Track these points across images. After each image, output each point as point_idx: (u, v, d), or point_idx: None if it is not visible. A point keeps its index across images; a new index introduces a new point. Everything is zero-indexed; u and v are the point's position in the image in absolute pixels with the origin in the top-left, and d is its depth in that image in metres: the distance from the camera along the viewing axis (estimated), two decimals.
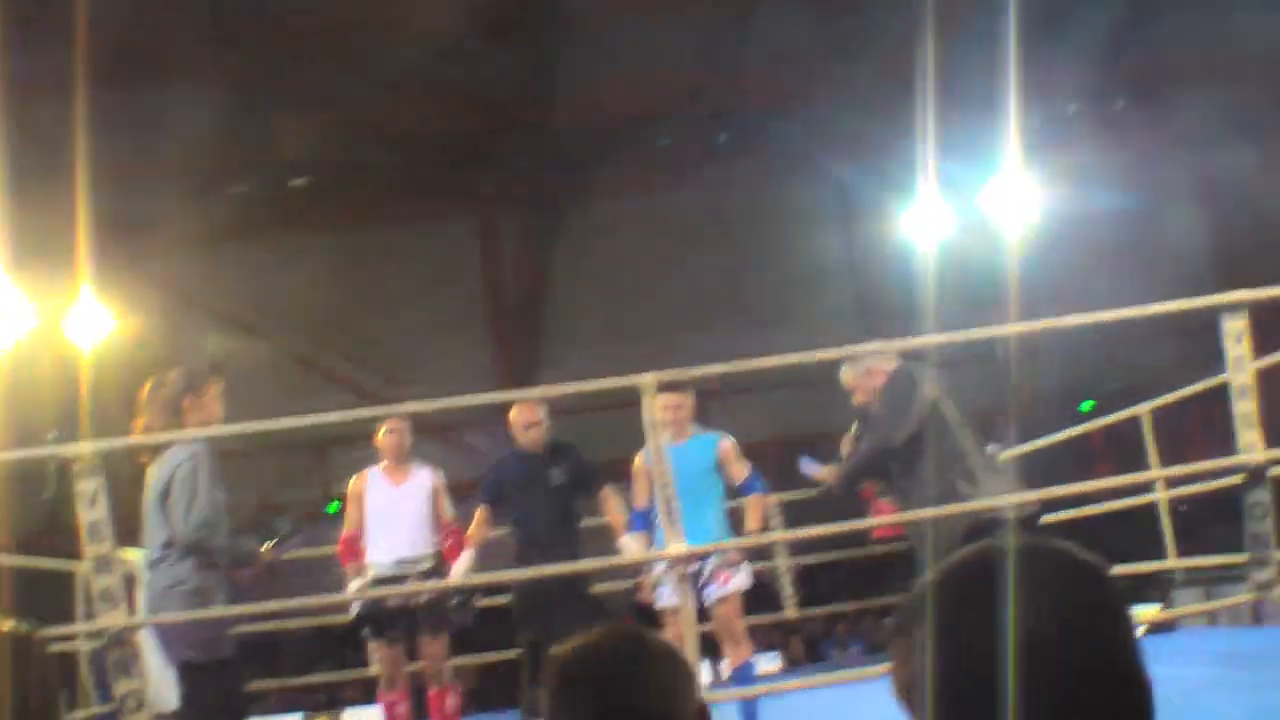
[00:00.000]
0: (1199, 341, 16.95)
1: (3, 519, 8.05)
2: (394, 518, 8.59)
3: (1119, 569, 11.55)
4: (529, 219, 20.43)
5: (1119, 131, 19.53)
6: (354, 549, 8.65)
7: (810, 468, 7.58)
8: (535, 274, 20.31)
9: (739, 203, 20.16)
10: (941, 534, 6.93)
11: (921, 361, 7.45)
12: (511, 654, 9.30)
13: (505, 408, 9.12)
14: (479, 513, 8.82)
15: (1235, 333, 6.98)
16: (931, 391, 7.16)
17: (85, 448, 6.65)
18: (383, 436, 8.72)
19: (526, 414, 8.73)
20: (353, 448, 15.45)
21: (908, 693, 1.46)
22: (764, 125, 19.85)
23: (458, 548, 8.62)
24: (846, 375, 7.46)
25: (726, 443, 8.21)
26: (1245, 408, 6.97)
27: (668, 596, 7.81)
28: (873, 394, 7.34)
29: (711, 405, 16.87)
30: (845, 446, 7.80)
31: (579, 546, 8.80)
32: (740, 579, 7.98)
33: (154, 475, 6.63)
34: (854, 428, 7.69)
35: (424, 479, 8.74)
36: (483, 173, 19.70)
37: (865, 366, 7.38)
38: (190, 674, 6.32)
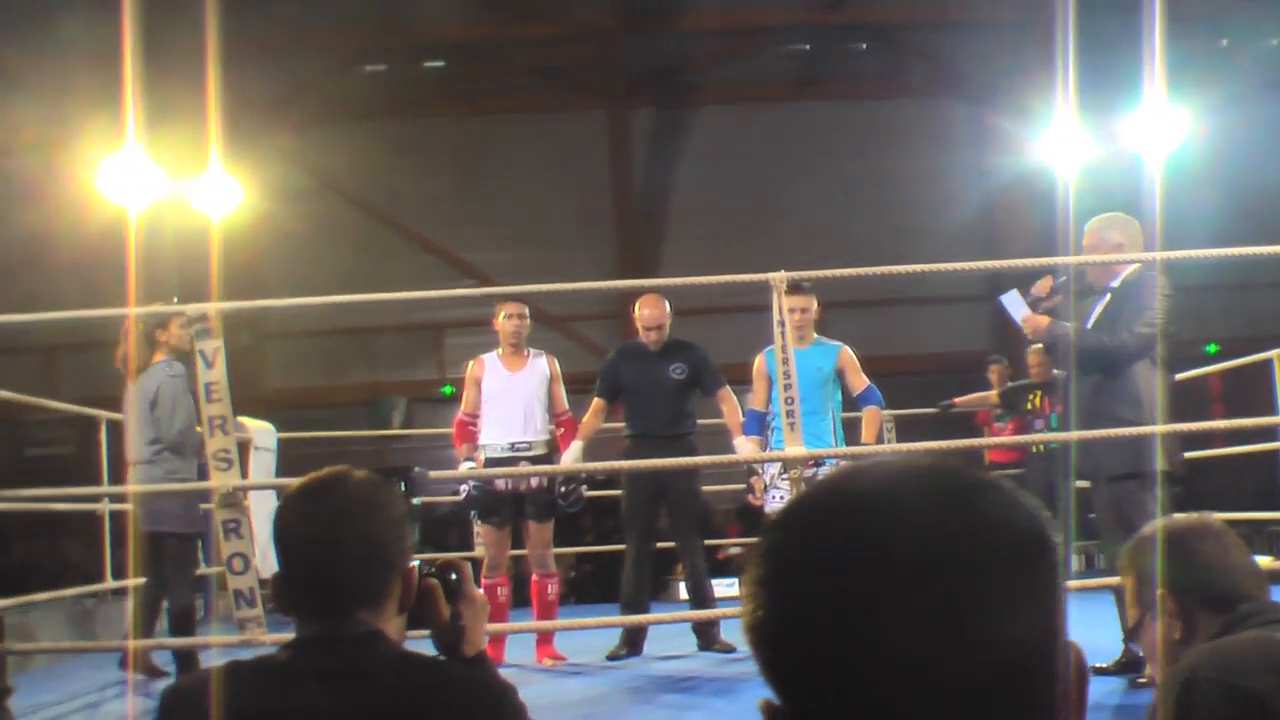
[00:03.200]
0: None
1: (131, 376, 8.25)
2: (509, 401, 8.61)
3: (1231, 515, 11.40)
4: (658, 120, 20.30)
5: (1272, 70, 19.06)
6: (467, 431, 8.72)
7: (1016, 306, 7.16)
8: (661, 175, 20.19)
9: (870, 118, 19.91)
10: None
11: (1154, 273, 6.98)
12: (616, 547, 9.33)
13: (625, 303, 9.14)
14: (594, 403, 8.85)
15: None
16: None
17: (210, 308, 6.71)
18: (502, 320, 8.75)
19: (654, 313, 8.71)
20: (469, 332, 15.52)
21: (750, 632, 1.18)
22: (900, 41, 19.58)
23: (570, 436, 8.64)
24: (1089, 238, 7.05)
25: (848, 352, 8.19)
26: None
27: (779, 499, 7.78)
28: (1111, 278, 6.97)
29: (833, 319, 16.84)
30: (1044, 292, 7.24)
31: (694, 444, 8.82)
32: None
33: (140, 388, 8.24)
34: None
35: (541, 366, 8.76)
36: (615, 71, 19.58)
37: (1119, 244, 6.97)
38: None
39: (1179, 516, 3.08)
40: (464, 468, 8.56)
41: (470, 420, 8.71)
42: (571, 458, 8.50)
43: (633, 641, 8.72)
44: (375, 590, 2.40)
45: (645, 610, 8.85)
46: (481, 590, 7.28)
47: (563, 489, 8.52)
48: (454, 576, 2.55)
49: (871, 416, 8.09)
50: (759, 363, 8.19)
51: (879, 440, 8.40)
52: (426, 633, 2.55)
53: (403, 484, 2.52)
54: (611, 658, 8.59)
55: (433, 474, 8.90)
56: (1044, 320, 7.01)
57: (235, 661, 2.40)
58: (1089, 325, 6.88)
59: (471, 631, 2.53)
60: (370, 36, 18.80)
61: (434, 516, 15.42)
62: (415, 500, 2.56)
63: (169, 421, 8.10)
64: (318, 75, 18.92)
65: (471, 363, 8.92)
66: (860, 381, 8.12)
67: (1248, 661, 2.65)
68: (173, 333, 8.18)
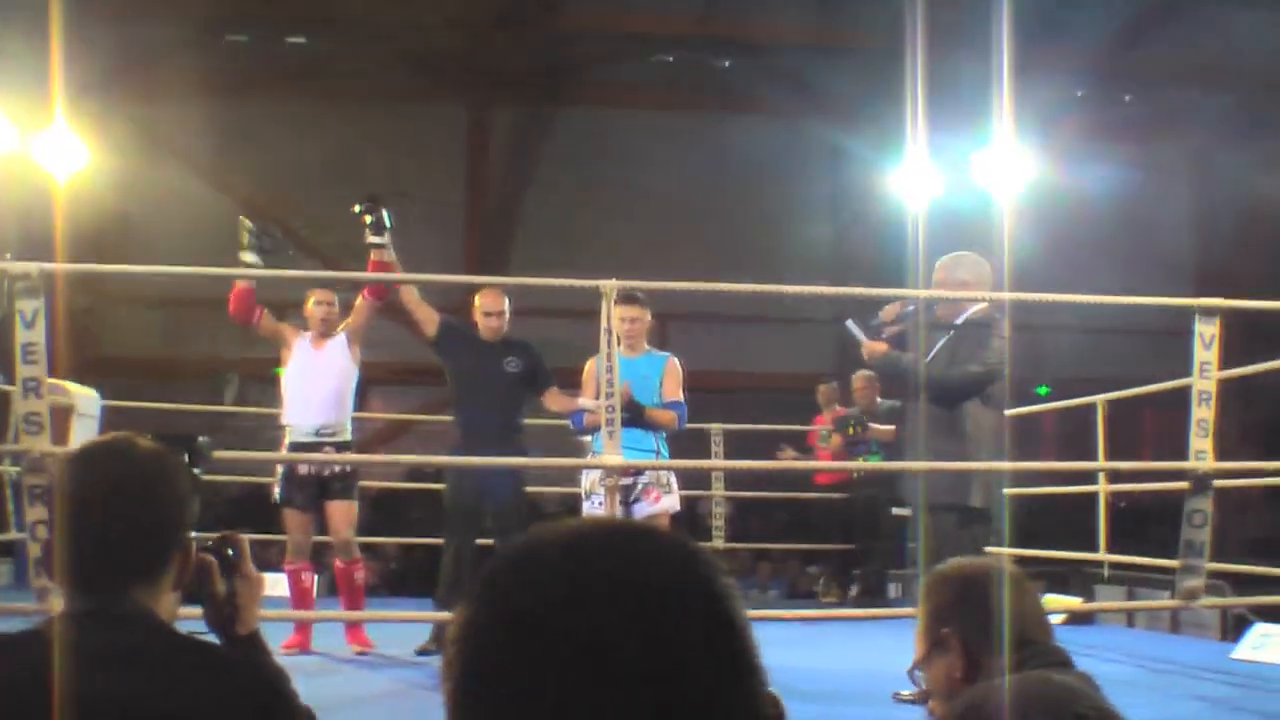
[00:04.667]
0: (1166, 341, 17.07)
1: None
2: (313, 383, 8.66)
3: (1050, 554, 11.61)
4: (520, 117, 20.26)
5: (1122, 123, 19.48)
6: (250, 304, 8.73)
7: (859, 332, 7.24)
8: (518, 173, 20.15)
9: (730, 133, 20.01)
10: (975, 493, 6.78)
11: (999, 313, 7.11)
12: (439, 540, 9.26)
13: (468, 297, 9.10)
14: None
15: (1206, 337, 6.94)
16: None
17: (31, 267, 6.53)
18: (311, 306, 8.80)
19: (490, 300, 8.79)
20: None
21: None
22: (765, 61, 19.71)
23: (374, 291, 8.61)
24: (939, 274, 7.14)
25: (674, 362, 8.21)
26: (1203, 414, 6.96)
27: (595, 505, 7.80)
28: (956, 316, 7.05)
29: (674, 331, 16.89)
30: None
31: (524, 443, 8.80)
32: (669, 500, 7.96)
33: None
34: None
35: (340, 340, 8.78)
36: (482, 65, 19.48)
37: (965, 281, 7.07)
38: None
39: (975, 558, 3.12)
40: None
41: (258, 312, 8.77)
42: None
43: (443, 637, 8.63)
44: (151, 565, 2.31)
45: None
46: (284, 574, 7.21)
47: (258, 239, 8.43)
48: (231, 552, 2.47)
49: (664, 415, 8.04)
50: (589, 366, 8.20)
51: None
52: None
53: (187, 454, 2.44)
54: (421, 652, 8.51)
55: (259, 455, 8.84)
56: (880, 347, 7.10)
57: None
58: (928, 360, 6.96)
59: (245, 610, 2.47)
60: (234, 4, 18.50)
61: (234, 497, 15.26)
62: (199, 471, 2.48)
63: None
64: (176, 42, 18.58)
65: (288, 328, 8.95)
66: (673, 392, 8.11)
67: (1026, 701, 2.67)
68: None
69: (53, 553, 2.36)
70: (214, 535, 2.56)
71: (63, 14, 12.69)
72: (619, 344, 7.58)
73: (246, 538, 2.57)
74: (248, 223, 8.32)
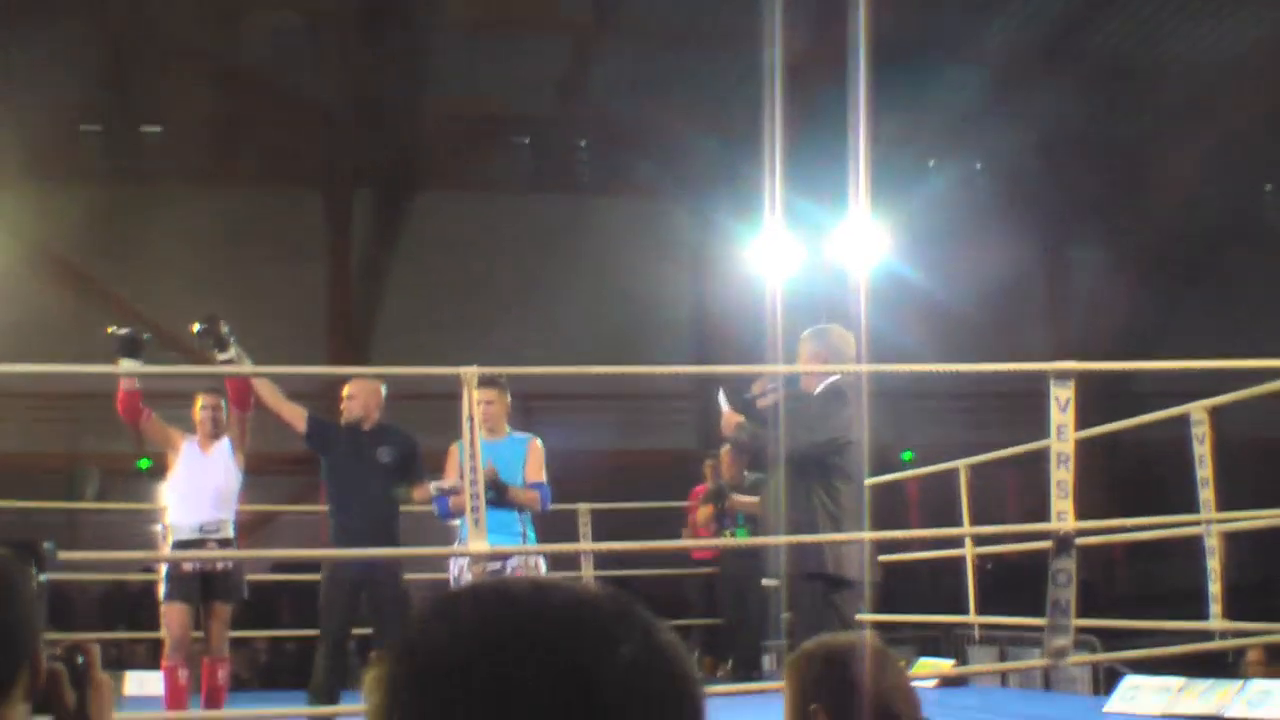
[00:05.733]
0: (1026, 402, 17.40)
1: None
2: (199, 484, 8.65)
3: (920, 619, 11.75)
4: (379, 203, 20.25)
5: (973, 192, 19.90)
6: (137, 406, 8.65)
7: (724, 403, 7.31)
8: (378, 259, 20.12)
9: (589, 213, 20.17)
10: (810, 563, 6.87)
11: (854, 384, 7.23)
12: (310, 632, 9.18)
13: (337, 384, 9.09)
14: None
15: (1062, 400, 7.11)
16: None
17: None
18: (198, 411, 8.87)
19: (349, 385, 8.79)
20: (173, 405, 15.18)
21: None
22: (622, 141, 19.91)
23: (244, 391, 8.59)
24: (802, 347, 7.26)
25: (536, 444, 8.22)
26: (1062, 475, 7.10)
27: None
28: (811, 389, 7.17)
29: (538, 411, 16.93)
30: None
31: (397, 532, 8.78)
32: None
33: None
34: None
35: (224, 446, 8.79)
36: (338, 153, 19.48)
37: (819, 353, 7.20)
38: None
39: (840, 635, 3.19)
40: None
41: (145, 413, 8.69)
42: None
43: None
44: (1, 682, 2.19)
45: (336, 700, 8.72)
46: (163, 671, 7.13)
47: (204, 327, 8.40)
48: (80, 660, 2.42)
49: (528, 495, 8.07)
50: (452, 450, 8.18)
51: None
52: None
53: (33, 559, 2.38)
54: None
55: (131, 554, 8.77)
56: (734, 419, 7.19)
57: None
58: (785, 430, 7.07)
59: (99, 717, 2.42)
60: (90, 97, 18.35)
61: (127, 593, 15.02)
62: (44, 578, 2.42)
63: None
64: (31, 132, 18.38)
65: (176, 433, 8.88)
66: (535, 474, 8.14)
67: None
68: None
69: None
70: (63, 642, 2.51)
71: None
72: (480, 428, 7.60)
73: (96, 645, 2.51)
74: (118, 329, 8.28)
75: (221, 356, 8.28)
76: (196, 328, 8.24)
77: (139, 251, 19.03)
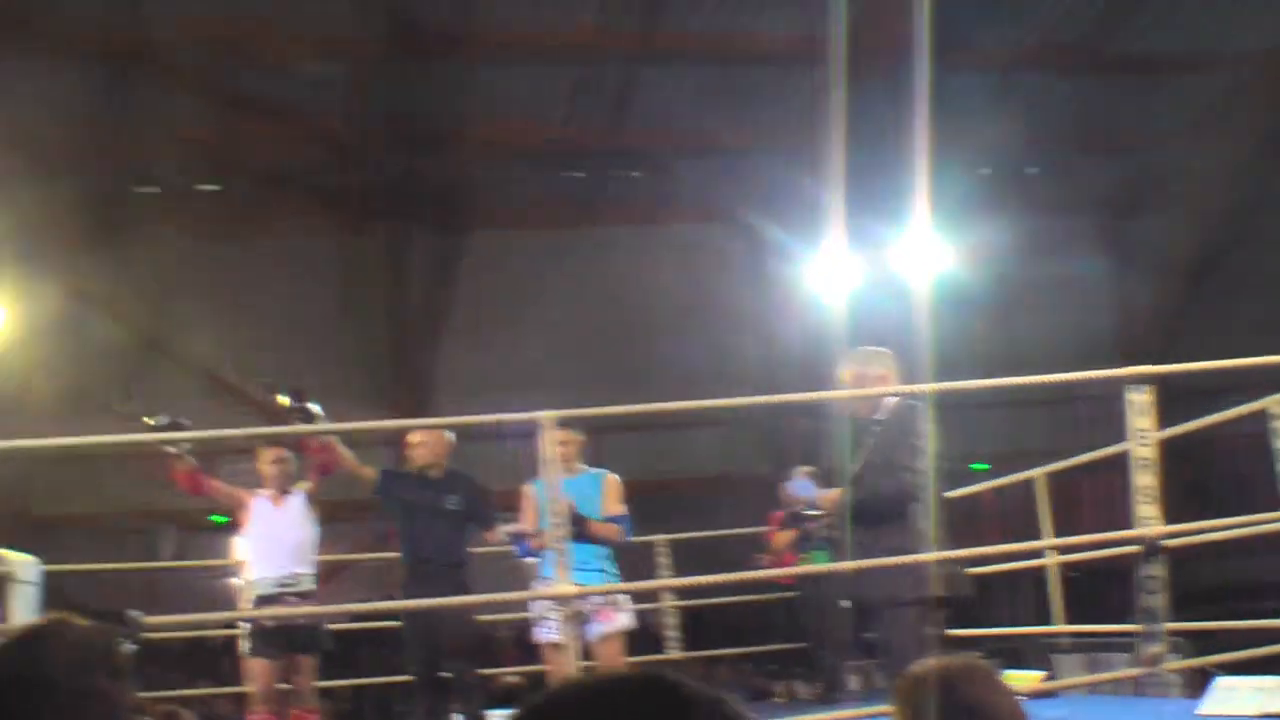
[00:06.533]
0: (1098, 406, 17.22)
1: None
2: (275, 538, 8.70)
3: (1005, 631, 11.61)
4: (436, 243, 20.28)
5: (1028, 197, 19.75)
6: (196, 481, 8.71)
7: (806, 490, 7.22)
8: (438, 298, 20.15)
9: (646, 242, 20.15)
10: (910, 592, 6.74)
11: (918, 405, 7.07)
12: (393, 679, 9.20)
13: (402, 430, 9.12)
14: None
15: (1139, 405, 7.01)
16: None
17: None
18: (266, 467, 8.84)
19: (416, 433, 8.80)
20: (244, 459, 15.24)
21: None
22: (675, 167, 19.85)
23: (326, 452, 8.60)
24: (850, 369, 7.14)
25: (612, 478, 8.21)
26: (1145, 480, 7.00)
27: (549, 631, 7.78)
28: (875, 411, 7.04)
29: (608, 444, 16.90)
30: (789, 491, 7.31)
31: (468, 576, 8.81)
32: (624, 618, 7.94)
33: None
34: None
35: (299, 499, 8.83)
36: (394, 195, 19.53)
37: (883, 376, 7.08)
38: None
39: (949, 657, 3.12)
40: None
41: (207, 483, 8.77)
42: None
43: None
44: None
45: None
46: None
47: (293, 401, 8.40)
48: None
49: (609, 529, 8.04)
50: (528, 490, 8.20)
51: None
52: None
53: (121, 629, 2.37)
54: None
55: (214, 615, 8.82)
56: (834, 494, 7.07)
57: None
58: (859, 462, 6.97)
59: None
60: (145, 156, 18.50)
61: (208, 648, 15.07)
62: (132, 646, 2.42)
63: None
64: (89, 196, 18.55)
65: (244, 493, 8.92)
66: (614, 508, 8.12)
67: None
68: None
69: None
70: (157, 707, 2.49)
71: None
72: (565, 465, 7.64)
73: (190, 713, 2.50)
74: (156, 419, 8.32)
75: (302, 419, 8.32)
76: (287, 403, 8.25)
77: (200, 307, 19.15)
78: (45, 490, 18.71)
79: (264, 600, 8.57)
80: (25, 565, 11.17)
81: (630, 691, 1.26)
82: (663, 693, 1.26)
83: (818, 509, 7.18)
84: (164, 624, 8.71)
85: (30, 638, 2.34)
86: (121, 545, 17.73)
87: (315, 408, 8.35)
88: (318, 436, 8.49)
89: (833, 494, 7.05)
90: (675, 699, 1.25)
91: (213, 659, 14.73)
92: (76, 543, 16.04)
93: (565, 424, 7.94)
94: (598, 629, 7.79)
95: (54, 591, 10.99)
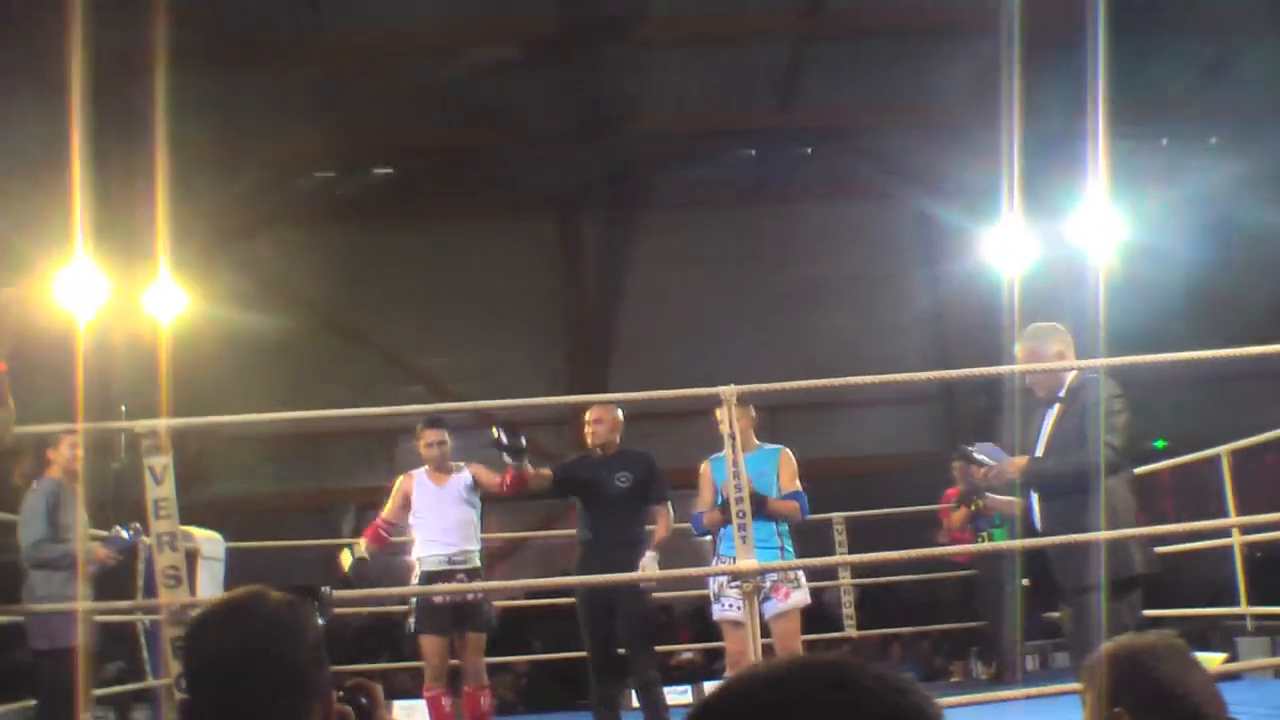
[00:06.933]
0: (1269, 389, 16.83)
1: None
2: (440, 515, 8.79)
3: (1188, 612, 11.40)
4: (609, 225, 20.39)
5: (1211, 167, 19.30)
6: (378, 534, 8.87)
7: (994, 454, 7.10)
8: (612, 280, 20.26)
9: (818, 220, 20.08)
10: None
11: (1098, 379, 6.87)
12: (565, 655, 9.29)
13: (577, 408, 9.20)
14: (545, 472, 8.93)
15: None
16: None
17: (160, 424, 6.67)
18: (424, 449, 8.93)
19: (599, 416, 8.84)
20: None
21: None
22: (846, 144, 19.73)
23: (518, 480, 8.65)
24: (1027, 346, 7.00)
25: (787, 454, 8.22)
26: None
27: (727, 608, 7.81)
28: (1055, 388, 6.89)
29: (782, 423, 16.89)
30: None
31: (642, 553, 8.86)
32: (799, 595, 7.93)
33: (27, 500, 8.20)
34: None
35: (464, 477, 8.92)
36: (566, 177, 19.66)
37: (1061, 353, 6.93)
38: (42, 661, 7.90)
39: (1141, 635, 3.08)
40: (354, 558, 8.64)
41: (385, 527, 8.89)
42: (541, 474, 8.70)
43: None
44: None
45: (617, 715, 8.88)
46: (425, 700, 7.26)
47: (505, 439, 8.51)
48: (364, 700, 2.43)
49: (787, 505, 8.02)
50: (705, 468, 8.23)
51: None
52: None
53: (315, 603, 2.41)
54: None
55: (399, 590, 9.00)
56: (1020, 461, 6.90)
57: None
58: (1043, 440, 6.85)
59: None
60: (319, 143, 18.82)
61: (387, 624, 15.32)
62: (323, 620, 2.44)
63: (25, 538, 8.09)
64: (267, 182, 18.93)
65: (402, 477, 9.05)
66: (790, 485, 8.11)
67: None
68: (62, 452, 8.09)
69: (186, 712, 2.30)
70: (346, 680, 2.52)
71: (165, 167, 13.03)
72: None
73: (379, 685, 2.52)
74: (496, 430, 8.49)
75: (513, 461, 8.47)
76: (504, 440, 8.36)
77: (378, 289, 19.50)
78: (225, 470, 19.16)
79: (432, 577, 8.66)
80: (211, 542, 11.51)
81: (811, 683, 1.27)
82: (843, 685, 1.27)
83: (998, 471, 7.01)
84: (347, 598, 8.87)
85: (228, 610, 2.37)
86: (298, 525, 18.10)
87: (522, 442, 8.50)
88: (510, 471, 8.59)
89: (1021, 460, 6.83)
90: (854, 692, 1.27)
91: (392, 635, 14.99)
92: (258, 522, 16.38)
93: (742, 401, 7.96)
94: (774, 606, 7.80)
95: (239, 569, 11.29)
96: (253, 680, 2.24)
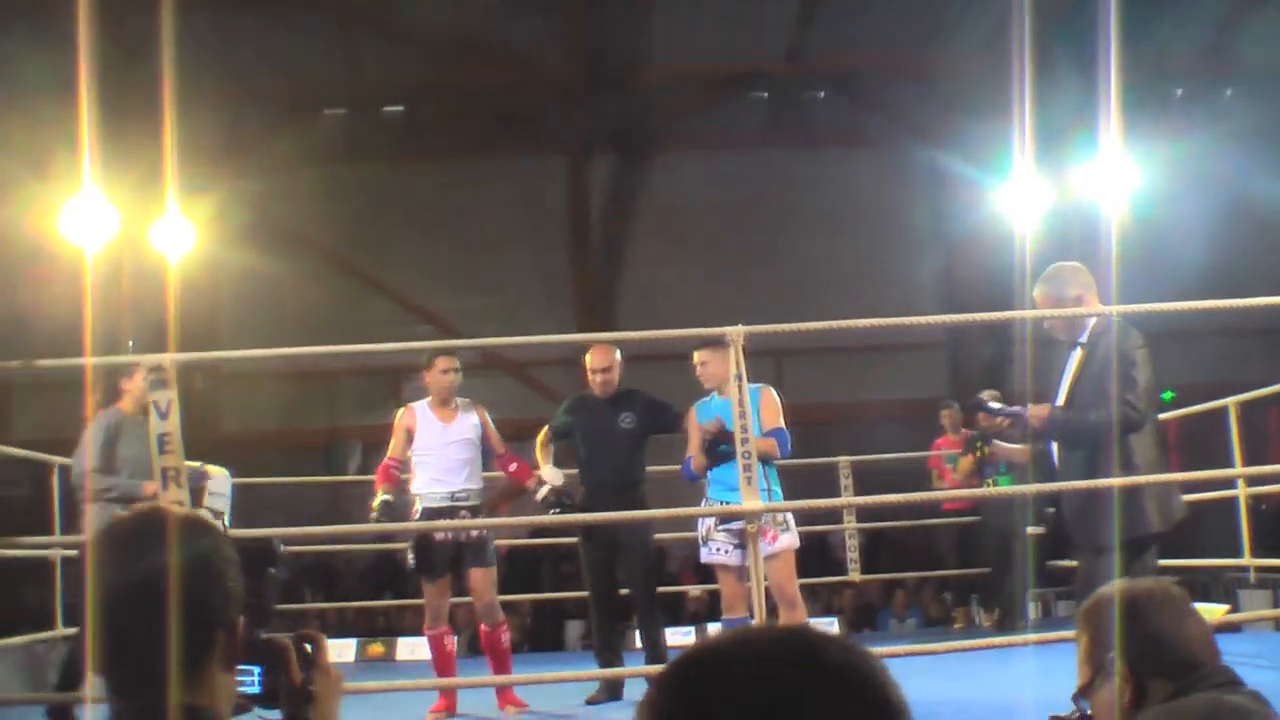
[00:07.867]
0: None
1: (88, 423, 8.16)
2: (444, 452, 8.57)
3: (1191, 563, 11.41)
4: (618, 166, 20.31)
5: (1225, 120, 19.19)
6: (391, 475, 8.64)
7: (998, 407, 7.01)
8: (620, 221, 20.20)
9: (829, 166, 19.99)
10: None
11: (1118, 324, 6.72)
12: (572, 594, 9.31)
13: (585, 349, 9.16)
14: (542, 435, 8.90)
15: None
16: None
17: (166, 359, 6.66)
18: (438, 375, 8.62)
19: (597, 359, 8.82)
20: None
21: None
22: (858, 91, 19.64)
23: (524, 471, 8.65)
24: (1043, 289, 6.83)
25: (769, 393, 8.10)
26: None
27: (715, 551, 7.84)
28: (1076, 332, 6.75)
29: (787, 367, 16.89)
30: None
31: (645, 494, 8.87)
32: (788, 538, 7.86)
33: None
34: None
35: (471, 417, 8.70)
36: (576, 119, 19.58)
37: (1080, 297, 6.76)
38: None
39: (1138, 581, 3.08)
40: (374, 516, 8.53)
41: (395, 465, 8.63)
42: (552, 474, 8.64)
43: (611, 687, 8.74)
44: (194, 649, 2.14)
45: (619, 659, 8.89)
46: (428, 639, 7.27)
47: (554, 500, 8.52)
48: (309, 648, 2.37)
49: (766, 443, 7.90)
50: (691, 414, 8.18)
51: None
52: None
53: (267, 557, 2.38)
54: (590, 702, 8.64)
55: (390, 526, 8.96)
56: (1044, 409, 6.77)
57: None
58: (1065, 385, 6.75)
59: (324, 703, 2.35)
60: (330, 82, 18.76)
61: (393, 561, 15.37)
62: (276, 572, 2.42)
63: (75, 468, 8.07)
64: (276, 119, 18.89)
65: (401, 410, 8.81)
66: (772, 422, 7.97)
67: None
68: (136, 382, 7.96)
69: (87, 645, 2.15)
70: (300, 628, 2.48)
71: (172, 103, 12.98)
72: (710, 386, 7.75)
73: (324, 637, 2.46)
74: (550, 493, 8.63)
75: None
76: (549, 504, 8.49)
77: (385, 229, 19.48)
78: (233, 407, 19.19)
79: (434, 513, 8.48)
80: (219, 477, 11.51)
81: (768, 651, 1.32)
82: (801, 654, 1.31)
83: (1008, 410, 6.94)
84: (346, 534, 8.86)
85: (122, 533, 2.23)
86: (305, 462, 18.14)
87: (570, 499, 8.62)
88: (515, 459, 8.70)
89: (1043, 410, 6.71)
90: (812, 661, 1.31)
91: (398, 573, 15.04)
92: (265, 459, 16.43)
93: (717, 344, 7.85)
94: (764, 549, 7.71)
95: (243, 504, 11.30)
96: (148, 605, 2.11)
